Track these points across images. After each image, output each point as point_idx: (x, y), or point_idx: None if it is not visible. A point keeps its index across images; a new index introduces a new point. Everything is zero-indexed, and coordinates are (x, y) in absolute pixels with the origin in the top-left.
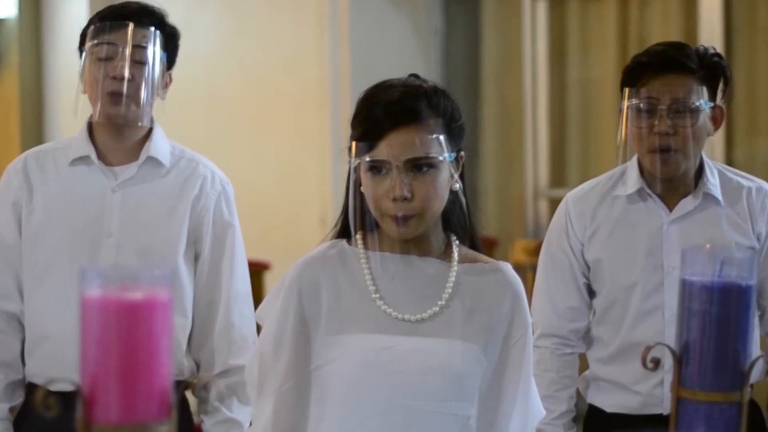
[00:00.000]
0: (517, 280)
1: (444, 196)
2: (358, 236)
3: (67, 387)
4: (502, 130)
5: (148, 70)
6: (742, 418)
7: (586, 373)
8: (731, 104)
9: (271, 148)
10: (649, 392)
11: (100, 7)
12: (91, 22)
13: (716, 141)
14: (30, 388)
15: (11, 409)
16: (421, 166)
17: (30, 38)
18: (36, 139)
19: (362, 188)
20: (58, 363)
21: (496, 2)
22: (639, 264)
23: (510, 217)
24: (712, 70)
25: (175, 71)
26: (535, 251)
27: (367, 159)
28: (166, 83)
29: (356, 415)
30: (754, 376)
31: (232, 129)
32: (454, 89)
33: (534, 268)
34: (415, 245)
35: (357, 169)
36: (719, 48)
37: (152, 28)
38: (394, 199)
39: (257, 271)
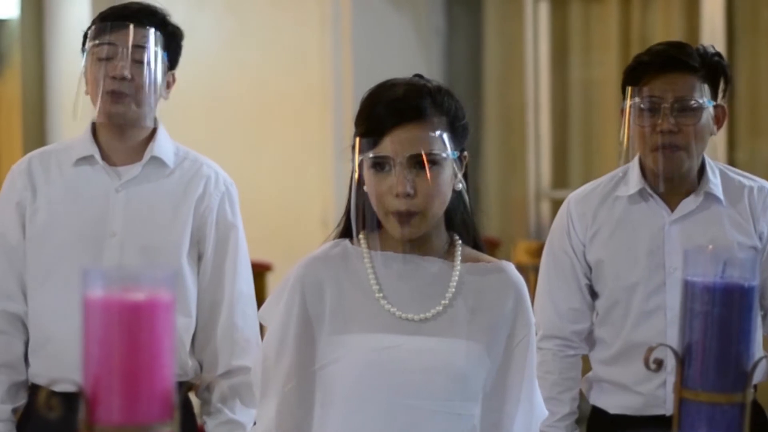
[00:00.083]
0: (520, 279)
1: (447, 195)
2: (361, 236)
3: (69, 388)
4: (504, 130)
5: (148, 69)
6: (745, 419)
7: (589, 374)
8: (733, 105)
9: (272, 149)
10: (652, 393)
11: (103, 7)
12: (93, 22)
13: (718, 142)
14: (33, 389)
15: (14, 411)
16: (424, 163)
17: (32, 39)
18: (38, 139)
19: (365, 187)
20: (61, 364)
21: (498, 3)
22: (641, 264)
23: (512, 218)
24: (713, 70)
25: (177, 72)
26: (538, 252)
27: (371, 155)
28: (168, 83)
29: (360, 415)
30: (757, 376)
31: (233, 130)
32: (456, 90)
33: (536, 269)
34: (418, 245)
35: (360, 167)
36: (721, 49)
37: (152, 29)
38: (397, 196)
39: (259, 272)
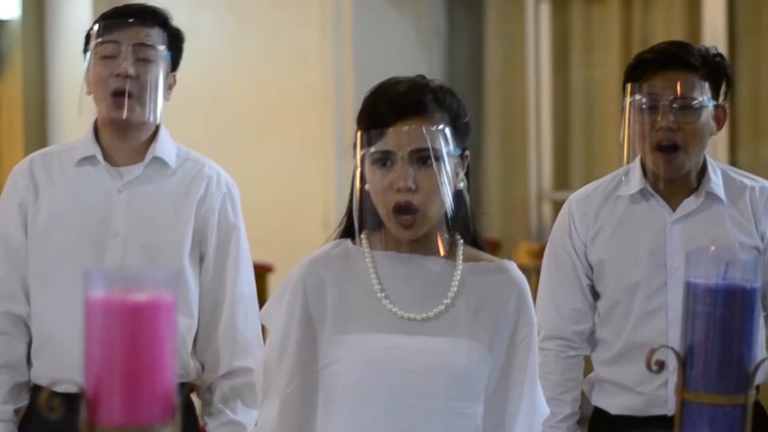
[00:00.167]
0: (522, 278)
1: (448, 194)
2: (363, 235)
3: (71, 388)
4: (505, 132)
5: (152, 68)
6: (747, 420)
7: (591, 375)
8: (735, 106)
9: (273, 150)
10: (653, 393)
11: (104, 8)
12: (96, 22)
13: (720, 144)
14: (35, 390)
15: (16, 411)
16: (426, 158)
17: (33, 40)
18: (39, 140)
19: (367, 185)
20: (63, 364)
21: (499, 4)
22: (642, 264)
23: (513, 220)
24: (714, 69)
25: (178, 73)
26: (539, 254)
27: (373, 150)
28: (170, 84)
29: (363, 415)
30: (760, 377)
31: (234, 131)
32: (457, 91)
33: (537, 270)
34: (419, 244)
35: (362, 164)
36: (723, 50)
37: (157, 27)
38: (398, 190)
39: (261, 273)
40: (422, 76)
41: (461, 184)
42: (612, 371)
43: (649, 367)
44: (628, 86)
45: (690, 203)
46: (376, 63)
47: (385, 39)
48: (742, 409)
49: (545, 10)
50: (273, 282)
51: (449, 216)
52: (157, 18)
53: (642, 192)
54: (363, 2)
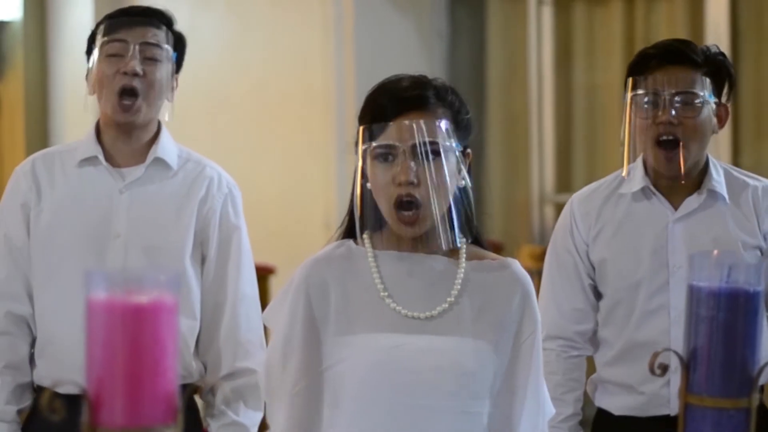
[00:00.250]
0: (525, 276)
1: (450, 190)
2: (365, 235)
3: (73, 390)
4: (507, 134)
5: (160, 67)
6: (751, 424)
7: (594, 376)
8: (738, 108)
9: (275, 152)
10: (656, 393)
11: (105, 9)
12: (101, 22)
13: (723, 145)
14: (38, 391)
15: (19, 412)
16: (428, 153)
17: (35, 41)
18: (41, 141)
19: (369, 184)
20: (65, 365)
21: (501, 6)
22: (644, 263)
23: (516, 223)
24: (716, 68)
25: (180, 74)
26: (541, 257)
27: (374, 144)
28: (172, 87)
29: (368, 415)
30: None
31: (235, 133)
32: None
33: (540, 273)
34: (422, 243)
35: (364, 161)
36: (726, 52)
37: (163, 27)
38: (400, 184)
39: (262, 275)
40: (424, 75)
41: (463, 182)
42: (614, 371)
43: (652, 371)
44: (630, 80)
45: (692, 202)
46: (378, 64)
47: (387, 40)
48: (745, 413)
49: (547, 12)
50: (274, 284)
51: (451, 212)
52: (163, 18)
53: (644, 190)
54: (364, 3)
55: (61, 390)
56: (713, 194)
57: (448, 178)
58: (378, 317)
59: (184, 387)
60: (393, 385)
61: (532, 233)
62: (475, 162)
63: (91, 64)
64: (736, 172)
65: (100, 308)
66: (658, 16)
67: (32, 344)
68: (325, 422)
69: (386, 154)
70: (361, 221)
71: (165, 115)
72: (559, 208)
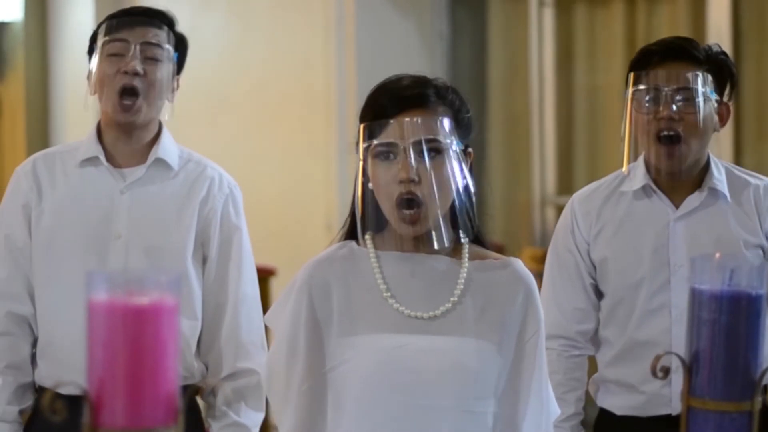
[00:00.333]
0: (528, 275)
1: (451, 188)
2: (367, 236)
3: (74, 391)
4: (508, 136)
5: (160, 67)
6: (753, 427)
7: (595, 375)
8: (740, 109)
9: (276, 152)
10: (657, 392)
11: (106, 10)
12: (103, 22)
13: (725, 146)
14: (40, 391)
15: (21, 412)
16: (429, 151)
17: (36, 41)
18: (42, 141)
19: (370, 185)
20: (66, 366)
21: (503, 8)
22: (645, 262)
23: (517, 225)
24: (718, 66)
25: (182, 76)
26: (543, 259)
27: (375, 142)
28: (173, 88)
29: (373, 416)
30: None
31: (236, 134)
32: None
33: (542, 275)
34: (424, 243)
35: (365, 161)
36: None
37: (164, 28)
38: (401, 182)
39: (263, 277)
40: (425, 75)
41: (465, 181)
42: (615, 370)
43: (654, 374)
44: (631, 75)
45: (693, 200)
46: (379, 66)
47: (388, 42)
48: (748, 416)
49: (549, 14)
50: (276, 286)
51: (453, 211)
52: (165, 19)
53: (645, 188)
54: (366, 5)
55: (63, 391)
56: (714, 192)
57: (449, 176)
58: (381, 318)
59: (186, 388)
60: (396, 385)
61: (533, 235)
62: (476, 163)
63: (92, 64)
64: (738, 171)
65: (101, 309)
66: (659, 17)
67: (34, 344)
68: (330, 423)
69: (387, 153)
70: (362, 222)
71: (165, 115)
72: (560, 210)
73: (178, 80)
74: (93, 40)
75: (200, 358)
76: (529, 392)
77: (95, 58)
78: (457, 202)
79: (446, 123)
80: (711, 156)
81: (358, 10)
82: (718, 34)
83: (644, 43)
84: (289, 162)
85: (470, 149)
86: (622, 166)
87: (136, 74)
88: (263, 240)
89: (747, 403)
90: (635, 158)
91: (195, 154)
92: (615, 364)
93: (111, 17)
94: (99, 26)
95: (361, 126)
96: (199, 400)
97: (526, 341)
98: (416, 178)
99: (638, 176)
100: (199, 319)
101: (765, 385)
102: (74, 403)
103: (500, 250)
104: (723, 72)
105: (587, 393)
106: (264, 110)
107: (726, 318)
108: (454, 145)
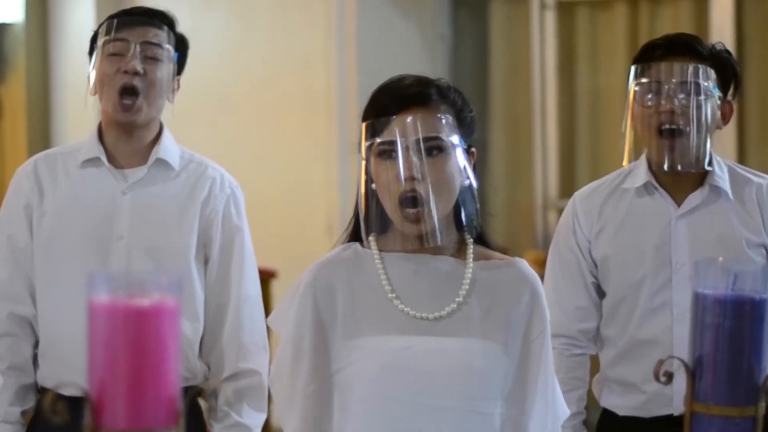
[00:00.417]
0: (533, 275)
1: (454, 187)
2: (371, 238)
3: (76, 392)
4: (510, 139)
5: (160, 66)
6: None
7: (598, 375)
8: (743, 110)
9: (277, 154)
10: (658, 392)
11: (107, 11)
12: (103, 22)
13: (728, 147)
14: (42, 392)
15: (23, 413)
16: (431, 149)
17: (37, 43)
18: (43, 143)
19: (373, 185)
20: (68, 367)
21: (504, 10)
22: (647, 260)
23: (519, 228)
24: (721, 64)
25: (182, 76)
26: (545, 262)
27: (378, 140)
28: (173, 88)
29: (379, 417)
30: None
31: (237, 135)
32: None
33: (544, 278)
34: (428, 242)
35: (368, 161)
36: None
37: (165, 28)
38: (404, 179)
39: (264, 279)
40: (427, 76)
41: (467, 181)
42: (617, 369)
43: (657, 378)
44: (633, 69)
45: (695, 197)
46: (380, 67)
47: (389, 43)
48: (752, 421)
49: (550, 16)
50: (277, 288)
51: (457, 211)
52: (165, 19)
53: (646, 186)
54: (367, 6)
55: (64, 391)
56: (716, 190)
57: (451, 174)
58: (386, 319)
59: (187, 389)
60: (402, 387)
61: (536, 238)
62: (478, 165)
63: (92, 64)
64: (741, 169)
65: (102, 311)
66: (662, 19)
67: (35, 345)
68: (335, 425)
69: (389, 151)
70: (366, 222)
71: (166, 115)
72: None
73: (178, 81)
74: (93, 40)
75: (202, 359)
76: (535, 392)
77: (95, 58)
78: (460, 201)
79: (448, 121)
80: (714, 155)
81: (359, 10)
82: (721, 35)
83: None
84: (289, 163)
85: (473, 149)
86: (621, 162)
87: (136, 74)
88: (264, 242)
89: (751, 408)
90: (637, 154)
91: (196, 154)
92: (617, 363)
93: (111, 17)
94: (99, 26)
95: (363, 125)
96: (202, 402)
97: (531, 341)
98: (418, 176)
99: (640, 174)
100: (201, 320)
101: None
102: (76, 404)
103: (504, 251)
104: (726, 70)
105: (591, 393)
106: (264, 111)
107: (730, 322)
108: (456, 144)
